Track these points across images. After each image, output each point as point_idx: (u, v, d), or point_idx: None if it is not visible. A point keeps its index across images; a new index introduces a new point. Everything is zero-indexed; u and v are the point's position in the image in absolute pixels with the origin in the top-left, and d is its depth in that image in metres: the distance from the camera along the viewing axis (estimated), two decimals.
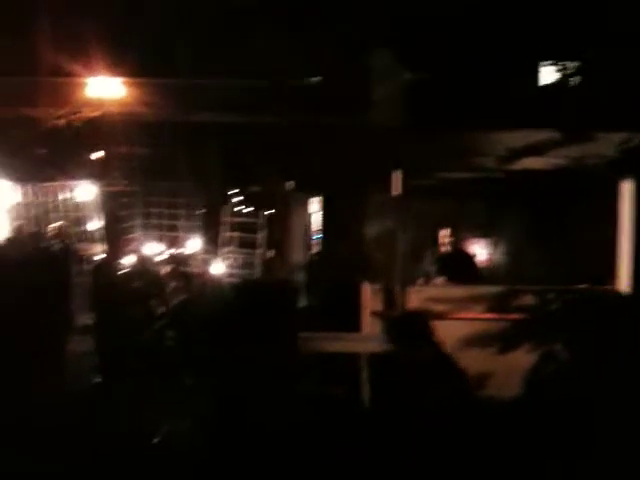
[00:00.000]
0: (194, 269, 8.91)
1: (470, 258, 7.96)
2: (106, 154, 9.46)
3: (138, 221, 10.17)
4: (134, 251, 8.76)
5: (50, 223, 8.80)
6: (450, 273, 7.37)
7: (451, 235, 7.60)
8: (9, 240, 8.09)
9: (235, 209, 10.59)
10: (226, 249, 9.79)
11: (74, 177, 9.94)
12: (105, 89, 7.89)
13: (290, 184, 8.50)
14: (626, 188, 6.55)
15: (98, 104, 7.87)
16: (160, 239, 10.03)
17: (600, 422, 5.16)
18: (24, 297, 6.44)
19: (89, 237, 9.90)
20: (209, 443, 4.95)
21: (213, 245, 9.93)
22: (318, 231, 9.30)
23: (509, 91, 7.30)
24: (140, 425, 5.31)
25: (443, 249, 7.60)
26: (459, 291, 6.67)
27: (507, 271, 8.35)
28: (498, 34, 7.63)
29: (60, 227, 7.91)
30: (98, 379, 6.71)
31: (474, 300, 6.51)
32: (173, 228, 10.31)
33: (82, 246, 9.32)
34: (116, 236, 9.59)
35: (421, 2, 7.55)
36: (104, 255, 8.85)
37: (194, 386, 5.81)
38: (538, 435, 5.10)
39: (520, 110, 6.90)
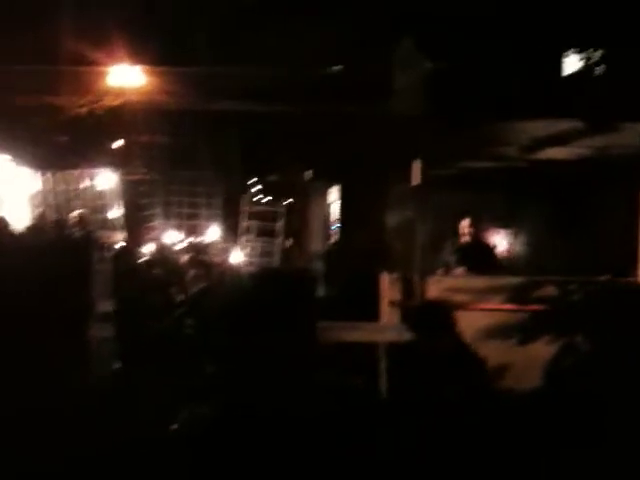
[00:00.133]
0: (213, 257, 8.95)
1: (490, 249, 7.91)
2: (127, 142, 9.52)
3: (158, 209, 10.24)
4: (154, 239, 8.82)
5: (71, 211, 8.88)
6: (470, 263, 7.33)
7: (471, 225, 7.54)
8: (31, 227, 8.17)
9: (254, 198, 10.63)
10: (245, 238, 9.82)
11: (95, 165, 10.02)
12: (126, 78, 7.90)
13: (309, 173, 8.51)
14: None
15: (120, 93, 7.89)
16: (180, 227, 10.10)
17: (621, 415, 5.12)
18: (46, 284, 6.50)
19: (110, 225, 9.98)
20: (227, 431, 4.97)
21: (232, 234, 9.98)
22: (337, 220, 9.31)
23: (532, 80, 7.21)
24: (159, 412, 5.35)
25: (463, 239, 7.55)
26: (479, 282, 6.63)
27: (527, 262, 8.29)
28: (522, 22, 7.54)
29: (81, 215, 7.96)
30: (118, 365, 6.77)
31: (494, 291, 6.46)
32: (193, 216, 10.37)
33: (103, 234, 9.41)
34: (136, 224, 9.66)
35: None
36: (124, 243, 8.91)
37: (213, 374, 5.84)
38: (558, 427, 5.07)
39: (543, 99, 6.82)
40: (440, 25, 7.36)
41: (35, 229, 8.01)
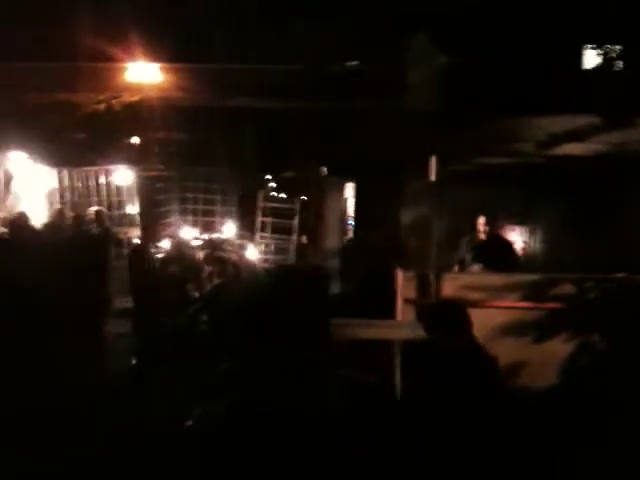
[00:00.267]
0: (229, 254, 8.96)
1: (507, 246, 7.85)
2: (144, 139, 9.56)
3: (175, 206, 10.28)
4: (170, 235, 8.85)
5: (89, 207, 8.94)
6: (486, 261, 7.28)
7: (488, 222, 7.50)
8: (49, 224, 8.23)
9: (270, 194, 10.64)
10: (261, 234, 9.84)
11: (112, 161, 10.08)
12: (144, 74, 7.94)
13: (324, 170, 8.49)
14: None
15: (137, 89, 7.93)
16: (196, 224, 10.13)
17: (638, 414, 5.07)
18: (64, 280, 6.55)
19: (127, 221, 10.04)
20: (241, 427, 4.98)
21: (248, 230, 9.99)
22: (353, 217, 9.28)
23: (549, 75, 7.14)
24: (173, 408, 5.37)
25: (480, 236, 7.51)
26: (495, 279, 6.59)
27: (544, 259, 8.23)
28: (539, 16, 7.47)
29: (98, 211, 8.01)
30: (134, 361, 6.82)
31: (510, 288, 6.42)
32: (209, 213, 10.40)
33: (120, 230, 9.47)
34: (153, 220, 9.70)
35: None
36: (141, 239, 8.96)
37: (227, 370, 5.85)
38: (574, 426, 5.03)
39: (561, 95, 6.74)
40: (456, 20, 7.30)
41: (53, 226, 8.07)
